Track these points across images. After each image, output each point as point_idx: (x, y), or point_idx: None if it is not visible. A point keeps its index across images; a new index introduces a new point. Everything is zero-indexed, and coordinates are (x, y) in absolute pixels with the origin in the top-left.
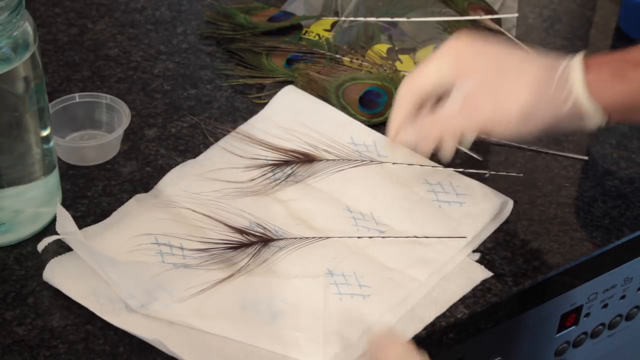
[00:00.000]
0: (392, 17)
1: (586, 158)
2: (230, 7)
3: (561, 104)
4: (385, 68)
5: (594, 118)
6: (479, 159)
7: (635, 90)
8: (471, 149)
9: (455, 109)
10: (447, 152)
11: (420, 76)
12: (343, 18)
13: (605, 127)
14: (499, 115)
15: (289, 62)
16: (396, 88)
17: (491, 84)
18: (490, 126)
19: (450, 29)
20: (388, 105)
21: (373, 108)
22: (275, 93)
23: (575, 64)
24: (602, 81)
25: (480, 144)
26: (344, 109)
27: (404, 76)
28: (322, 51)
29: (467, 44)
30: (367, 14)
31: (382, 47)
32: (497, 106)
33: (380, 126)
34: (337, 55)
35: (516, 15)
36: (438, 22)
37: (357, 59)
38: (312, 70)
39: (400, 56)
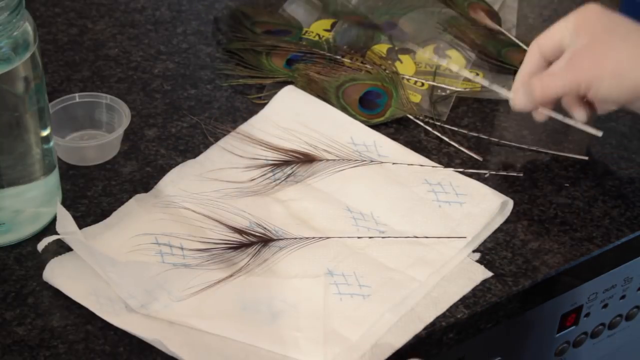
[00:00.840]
0: (391, 17)
1: (586, 158)
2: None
3: None
4: (384, 68)
5: None
6: (479, 158)
7: None
8: (471, 148)
9: (560, 67)
10: (540, 116)
11: (545, 35)
12: (341, 21)
13: None
14: (594, 73)
15: (289, 62)
16: (396, 89)
17: (596, 43)
18: (586, 84)
19: (450, 29)
20: (388, 105)
21: (373, 108)
22: (275, 93)
23: None
24: None
25: (480, 144)
26: (344, 109)
27: (403, 77)
28: (322, 52)
29: (593, 10)
30: (367, 13)
31: (382, 48)
32: (594, 63)
33: (380, 126)
34: (337, 56)
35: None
36: (438, 22)
37: (356, 60)
38: (311, 70)
39: (400, 56)
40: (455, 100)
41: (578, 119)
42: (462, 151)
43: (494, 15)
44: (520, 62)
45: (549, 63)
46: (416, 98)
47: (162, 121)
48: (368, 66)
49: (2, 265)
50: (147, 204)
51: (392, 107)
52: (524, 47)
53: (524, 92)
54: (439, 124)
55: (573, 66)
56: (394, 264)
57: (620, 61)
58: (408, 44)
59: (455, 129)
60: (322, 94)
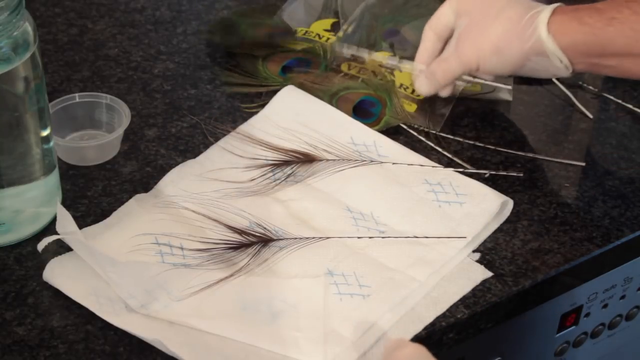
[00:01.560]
0: (395, 25)
1: (583, 164)
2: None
3: (526, 40)
4: (380, 78)
5: (556, 58)
6: (472, 169)
7: (590, 33)
8: (465, 160)
9: (450, 51)
10: (445, 92)
11: (435, 17)
12: (345, 26)
13: (575, 74)
14: (477, 54)
15: (285, 69)
16: (390, 98)
17: (473, 25)
18: (471, 64)
19: None
20: (382, 114)
21: (367, 117)
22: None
23: (546, 8)
24: (563, 22)
25: (477, 148)
26: None
27: (400, 85)
28: (318, 59)
29: None
30: (371, 21)
31: (382, 55)
32: (475, 45)
33: None
34: (334, 64)
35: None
36: None
37: (354, 67)
38: (305, 79)
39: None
40: (455, 100)
41: (443, 95)
42: (462, 152)
43: None
44: None
45: (445, 41)
46: (411, 107)
47: (162, 121)
48: (364, 74)
49: (2, 265)
50: (147, 204)
51: (386, 115)
52: None
53: (427, 77)
54: (433, 132)
55: (459, 51)
56: (394, 264)
57: (496, 39)
58: (357, 50)
59: (451, 136)
60: None
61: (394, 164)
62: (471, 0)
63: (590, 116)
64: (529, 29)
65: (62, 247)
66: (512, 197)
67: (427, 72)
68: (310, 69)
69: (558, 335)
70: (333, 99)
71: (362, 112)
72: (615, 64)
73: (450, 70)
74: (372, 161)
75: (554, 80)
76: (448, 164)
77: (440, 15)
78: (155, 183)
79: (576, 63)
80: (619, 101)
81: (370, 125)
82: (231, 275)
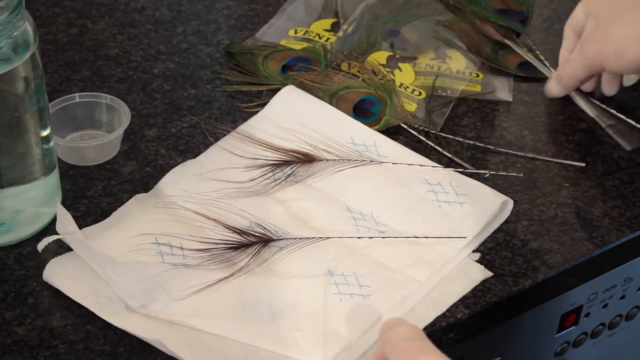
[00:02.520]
0: (395, 25)
1: (583, 164)
2: (252, 50)
3: None
4: (380, 77)
5: None
6: (472, 169)
7: None
8: (465, 160)
9: (576, 53)
10: (608, 91)
11: (571, 18)
12: (345, 26)
13: None
14: (600, 55)
15: (285, 68)
16: (390, 97)
17: (598, 27)
18: (598, 64)
19: (450, 28)
20: (382, 114)
21: (367, 117)
22: (270, 98)
23: None
24: None
25: (477, 148)
26: None
27: (401, 85)
28: (319, 58)
29: None
30: (371, 21)
31: (382, 55)
32: (598, 47)
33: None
34: (334, 63)
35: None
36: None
37: (354, 67)
38: (305, 78)
39: (400, 64)
40: (455, 100)
41: (608, 93)
42: (462, 152)
43: (500, 27)
44: (516, 65)
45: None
46: (411, 107)
47: (162, 121)
48: (364, 74)
49: (2, 265)
50: (147, 204)
51: (386, 115)
52: (521, 52)
53: (555, 79)
54: (433, 132)
55: (583, 52)
56: (394, 264)
57: (618, 41)
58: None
59: (451, 136)
60: None
61: (394, 164)
62: (599, 0)
63: (627, 146)
64: None
65: (62, 247)
66: (512, 197)
67: (555, 74)
68: (311, 67)
69: (558, 335)
70: (333, 98)
71: (362, 111)
72: None
73: (576, 72)
74: (372, 161)
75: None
76: (448, 164)
77: (575, 15)
78: (155, 183)
79: None
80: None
81: (371, 124)
82: (231, 275)
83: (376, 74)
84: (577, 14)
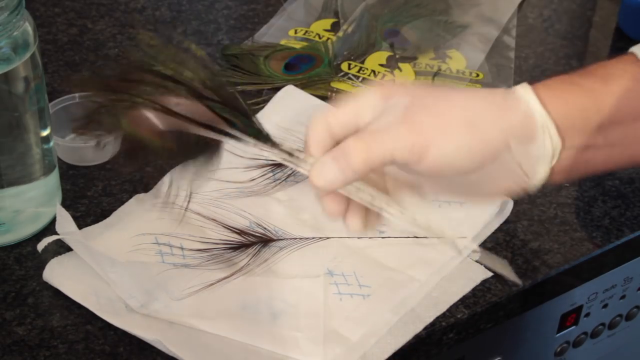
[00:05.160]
0: (395, 25)
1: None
2: (251, 51)
3: (507, 108)
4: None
5: (544, 138)
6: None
7: (587, 95)
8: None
9: (388, 122)
10: (332, 206)
11: (337, 111)
12: (345, 26)
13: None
14: (440, 124)
15: (287, 66)
16: (328, 57)
17: (430, 97)
18: (424, 142)
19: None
20: (312, 70)
21: (294, 70)
22: (274, 95)
23: (518, 86)
24: (551, 86)
25: None
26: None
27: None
28: (320, 55)
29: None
30: (371, 21)
31: (382, 55)
32: (440, 113)
33: None
34: (336, 63)
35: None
36: (442, 31)
37: (355, 66)
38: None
39: (400, 64)
40: None
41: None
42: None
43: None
44: (283, 67)
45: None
46: None
47: None
48: (364, 74)
49: (2, 265)
50: (147, 204)
51: (314, 71)
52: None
53: (334, 159)
54: None
55: (411, 121)
56: (394, 264)
57: (471, 108)
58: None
59: None
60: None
61: None
62: (399, 87)
63: None
64: (509, 98)
65: (62, 247)
66: (512, 197)
67: (337, 152)
68: (313, 65)
69: (558, 335)
70: (265, 61)
71: (291, 68)
72: (619, 137)
73: (382, 148)
74: None
75: None
76: None
77: (349, 107)
78: (155, 183)
79: (566, 148)
80: None
81: (294, 77)
82: (231, 275)
83: (376, 74)
84: (352, 108)
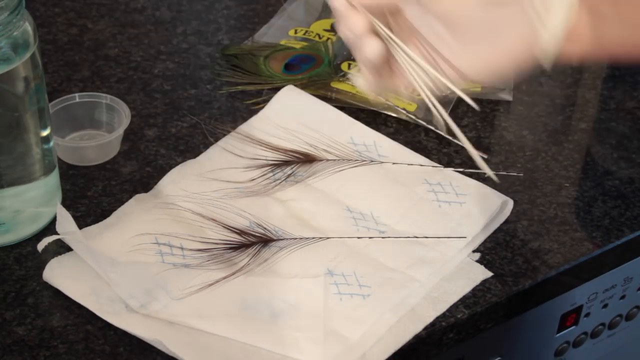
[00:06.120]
0: None
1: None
2: (251, 51)
3: None
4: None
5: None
6: (484, 155)
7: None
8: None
9: None
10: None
11: None
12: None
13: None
14: None
15: (287, 67)
16: (328, 57)
17: None
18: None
19: None
20: (312, 70)
21: (294, 70)
22: (273, 95)
23: None
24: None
25: (478, 146)
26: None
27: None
28: (320, 55)
29: None
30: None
31: None
32: None
33: (380, 126)
34: (336, 62)
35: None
36: None
37: (354, 65)
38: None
39: None
40: (455, 100)
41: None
42: (462, 151)
43: None
44: (283, 67)
45: None
46: (412, 107)
47: (162, 121)
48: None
49: (2, 265)
50: (147, 204)
51: (315, 71)
52: None
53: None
54: (432, 129)
55: None
56: (394, 264)
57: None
58: None
59: (450, 137)
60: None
61: (394, 164)
62: None
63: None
64: None
65: (62, 247)
66: (512, 197)
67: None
68: (313, 65)
69: (558, 335)
70: (265, 61)
71: (292, 67)
72: (630, 14)
73: None
74: (372, 161)
75: None
76: (448, 164)
77: None
78: (155, 183)
79: (580, 19)
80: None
81: (294, 77)
82: (231, 275)
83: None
84: None
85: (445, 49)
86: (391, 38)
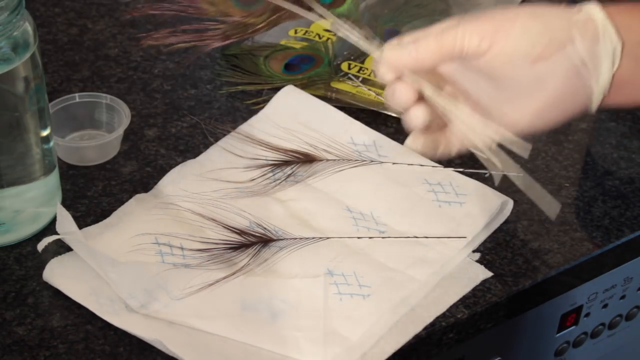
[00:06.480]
0: (395, 25)
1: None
2: (251, 51)
3: (573, 11)
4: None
5: (608, 37)
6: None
7: None
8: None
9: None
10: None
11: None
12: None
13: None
14: (509, 16)
15: (287, 67)
16: (328, 57)
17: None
18: (500, 27)
19: None
20: (312, 70)
21: (294, 70)
22: (273, 95)
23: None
24: (618, 8)
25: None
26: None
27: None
28: (321, 55)
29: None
30: (371, 20)
31: None
32: (506, 11)
33: (380, 126)
34: (336, 63)
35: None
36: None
37: (355, 66)
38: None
39: None
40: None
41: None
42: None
43: None
44: (283, 67)
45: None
46: None
47: (162, 121)
48: (364, 74)
49: (2, 265)
50: (147, 204)
51: (314, 72)
52: None
53: (403, 44)
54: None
55: (480, 16)
56: (394, 264)
57: (536, 5)
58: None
59: None
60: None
61: (394, 164)
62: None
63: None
64: (573, 6)
65: (62, 247)
66: (512, 197)
67: (403, 41)
68: (313, 65)
69: (558, 335)
70: (265, 61)
71: (292, 67)
72: None
73: (454, 36)
74: (372, 161)
75: None
76: (448, 164)
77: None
78: (155, 183)
79: (625, 55)
80: None
81: (294, 77)
82: (231, 275)
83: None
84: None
85: (491, 103)
86: (439, 98)
